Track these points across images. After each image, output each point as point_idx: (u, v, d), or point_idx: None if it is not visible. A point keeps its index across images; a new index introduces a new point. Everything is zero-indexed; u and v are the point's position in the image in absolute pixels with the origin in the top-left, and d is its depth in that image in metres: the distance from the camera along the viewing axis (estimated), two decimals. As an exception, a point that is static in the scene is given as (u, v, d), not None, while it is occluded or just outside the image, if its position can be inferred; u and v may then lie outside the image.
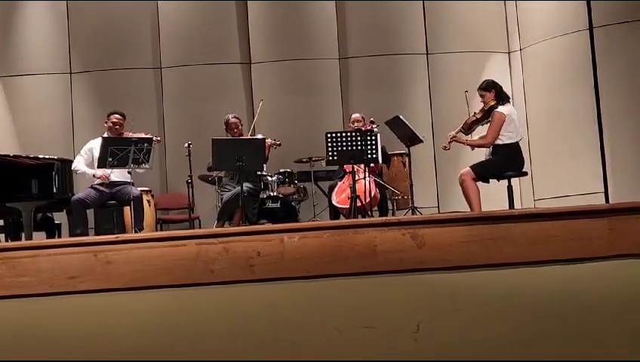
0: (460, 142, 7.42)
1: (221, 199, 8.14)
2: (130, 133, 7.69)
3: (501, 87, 7.55)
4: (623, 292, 3.69)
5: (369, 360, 3.26)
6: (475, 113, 7.45)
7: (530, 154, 9.37)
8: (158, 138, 7.70)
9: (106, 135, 7.74)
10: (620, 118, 8.87)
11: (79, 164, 7.80)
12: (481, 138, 7.42)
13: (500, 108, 7.30)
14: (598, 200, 8.65)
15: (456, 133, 7.41)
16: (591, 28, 9.08)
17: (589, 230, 4.35)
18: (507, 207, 7.36)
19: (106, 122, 7.89)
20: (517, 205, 8.22)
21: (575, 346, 3.41)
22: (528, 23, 9.94)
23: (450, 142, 7.40)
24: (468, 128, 7.45)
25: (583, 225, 4.36)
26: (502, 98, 7.41)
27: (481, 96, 7.45)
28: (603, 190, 8.93)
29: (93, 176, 7.67)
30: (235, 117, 8.39)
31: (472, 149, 7.49)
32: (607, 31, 8.97)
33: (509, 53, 10.30)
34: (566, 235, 4.30)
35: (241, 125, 8.39)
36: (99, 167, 7.46)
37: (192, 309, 3.60)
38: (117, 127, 7.82)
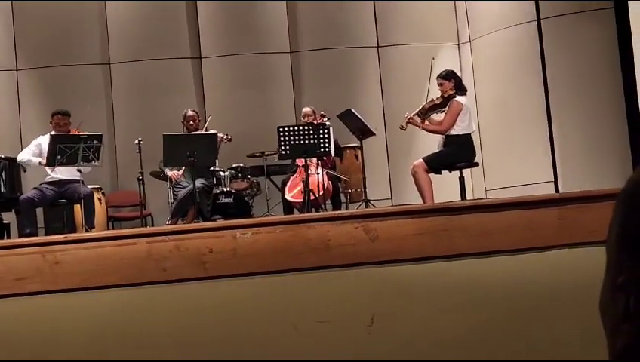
0: (416, 125, 7.43)
1: (174, 196, 8.06)
2: (77, 131, 7.59)
3: (460, 79, 7.63)
4: (575, 281, 3.72)
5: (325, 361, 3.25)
6: (433, 99, 7.49)
7: (481, 144, 9.43)
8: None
9: (52, 133, 7.63)
10: (569, 107, 8.96)
11: (25, 155, 7.67)
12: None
13: (459, 98, 7.35)
14: (549, 190, 8.74)
15: (414, 115, 7.42)
16: (539, 19, 9.17)
17: (540, 220, 4.38)
18: (459, 198, 7.41)
19: (51, 122, 7.78)
20: (469, 196, 8.27)
21: (529, 335, 3.43)
22: (477, 15, 10.00)
23: (407, 123, 7.41)
24: (425, 113, 7.47)
25: (534, 214, 4.40)
26: (461, 89, 7.47)
27: (440, 84, 7.48)
28: (553, 179, 9.03)
29: (39, 163, 7.53)
30: (193, 110, 8.41)
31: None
32: (555, 22, 9.06)
33: (458, 44, 10.35)
34: (518, 225, 4.33)
35: (199, 119, 8.36)
36: (48, 165, 7.34)
37: (144, 309, 3.55)
38: (61, 126, 7.70)
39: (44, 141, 7.63)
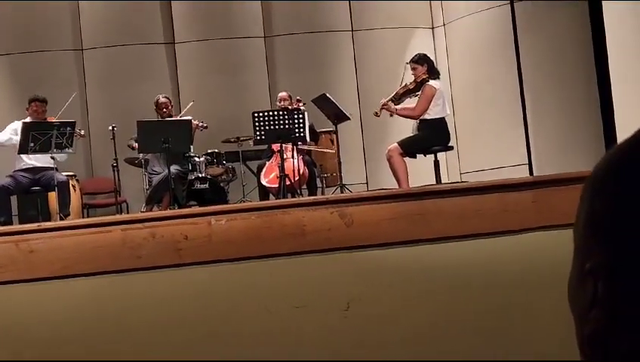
0: (390, 111, 7.45)
1: (149, 182, 8.03)
2: (54, 119, 7.54)
3: (433, 63, 7.64)
4: (550, 263, 3.75)
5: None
6: (406, 84, 7.51)
7: (455, 128, 9.47)
8: (82, 132, 7.59)
9: (27, 120, 7.56)
10: (542, 90, 9.00)
11: (2, 136, 7.60)
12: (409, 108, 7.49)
13: (432, 82, 7.37)
14: (523, 172, 8.79)
15: (388, 101, 7.44)
16: (512, 2, 9.19)
17: (514, 203, 4.41)
18: (434, 182, 7.44)
19: (27, 109, 7.71)
20: (444, 179, 8.30)
21: (505, 317, 3.45)
22: (451, -2, 10.01)
23: (381, 109, 7.43)
24: (398, 98, 7.50)
25: (509, 198, 4.42)
26: (434, 73, 7.49)
27: (413, 68, 7.49)
28: (527, 162, 9.08)
29: (17, 153, 7.45)
30: (165, 97, 8.35)
31: (391, 115, 7.50)
32: (529, 5, 9.07)
33: (432, 28, 10.36)
34: (492, 209, 4.35)
35: (172, 106, 8.33)
36: (20, 153, 7.28)
37: (119, 297, 3.54)
38: (39, 114, 7.64)
39: (18, 127, 7.56)
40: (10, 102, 9.46)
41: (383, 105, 7.41)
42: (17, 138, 7.48)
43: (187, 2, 10.03)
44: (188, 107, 8.47)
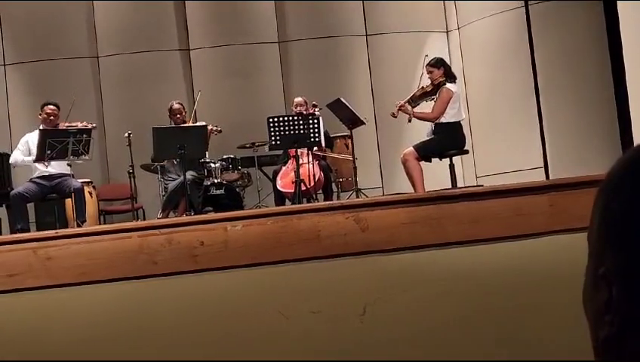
0: (407, 113, 7.44)
1: (165, 188, 8.06)
2: (66, 124, 7.57)
3: (450, 66, 7.63)
4: (566, 267, 3.73)
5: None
6: (423, 87, 7.50)
7: (471, 131, 9.45)
8: (94, 125, 7.61)
9: (41, 127, 7.60)
10: (558, 93, 8.98)
11: (17, 156, 7.65)
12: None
13: (449, 85, 7.36)
14: (539, 176, 8.76)
15: (405, 102, 7.43)
16: (527, 5, 9.17)
17: (530, 206, 4.39)
18: (450, 186, 7.42)
19: (40, 114, 7.75)
20: (459, 183, 8.29)
21: (522, 322, 3.44)
22: (466, 2, 9.99)
23: (398, 110, 7.41)
24: (415, 100, 7.49)
25: (525, 201, 4.41)
26: (450, 76, 7.48)
27: (430, 72, 7.48)
28: (543, 165, 9.05)
29: (34, 161, 7.50)
30: (178, 103, 8.38)
31: (409, 121, 7.51)
32: (543, 8, 9.06)
33: (447, 32, 10.35)
34: (508, 212, 4.34)
35: (185, 112, 8.36)
36: (37, 160, 7.32)
37: (136, 303, 3.55)
38: (52, 118, 7.68)
39: (31, 139, 7.61)
40: (27, 110, 9.52)
41: (400, 106, 7.40)
42: (29, 159, 7.51)
43: (202, 8, 10.07)
44: (197, 98, 8.51)
